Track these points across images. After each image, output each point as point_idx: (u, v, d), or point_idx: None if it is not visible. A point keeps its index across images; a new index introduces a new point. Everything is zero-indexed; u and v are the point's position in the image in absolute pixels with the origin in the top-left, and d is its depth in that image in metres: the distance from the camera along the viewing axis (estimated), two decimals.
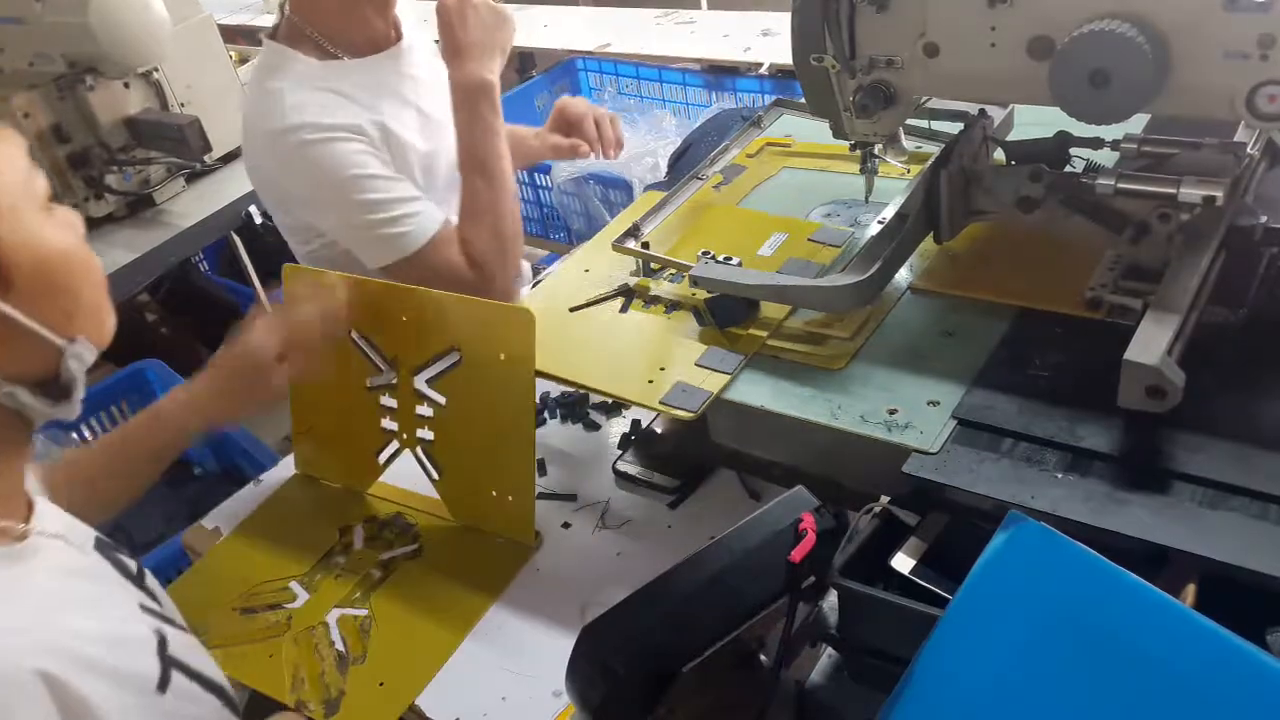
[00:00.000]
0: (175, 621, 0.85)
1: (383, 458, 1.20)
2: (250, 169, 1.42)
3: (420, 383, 1.13)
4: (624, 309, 1.16)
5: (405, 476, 1.20)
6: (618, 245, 1.20)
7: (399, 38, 1.45)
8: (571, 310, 1.17)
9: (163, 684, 0.77)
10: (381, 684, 0.99)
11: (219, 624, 1.08)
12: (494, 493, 1.11)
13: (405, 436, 1.17)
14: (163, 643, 0.79)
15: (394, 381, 1.15)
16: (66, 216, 0.77)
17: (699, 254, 1.18)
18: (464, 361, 1.09)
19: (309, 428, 1.26)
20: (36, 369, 0.75)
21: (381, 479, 1.22)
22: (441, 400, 1.12)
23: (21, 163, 0.75)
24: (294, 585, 1.12)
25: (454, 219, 1.38)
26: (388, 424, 1.18)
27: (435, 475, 1.16)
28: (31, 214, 0.74)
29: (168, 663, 0.78)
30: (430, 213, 1.32)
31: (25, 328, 0.72)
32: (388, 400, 1.17)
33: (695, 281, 1.09)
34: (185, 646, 0.83)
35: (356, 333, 1.15)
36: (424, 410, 1.14)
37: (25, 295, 0.73)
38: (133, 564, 0.81)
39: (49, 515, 0.78)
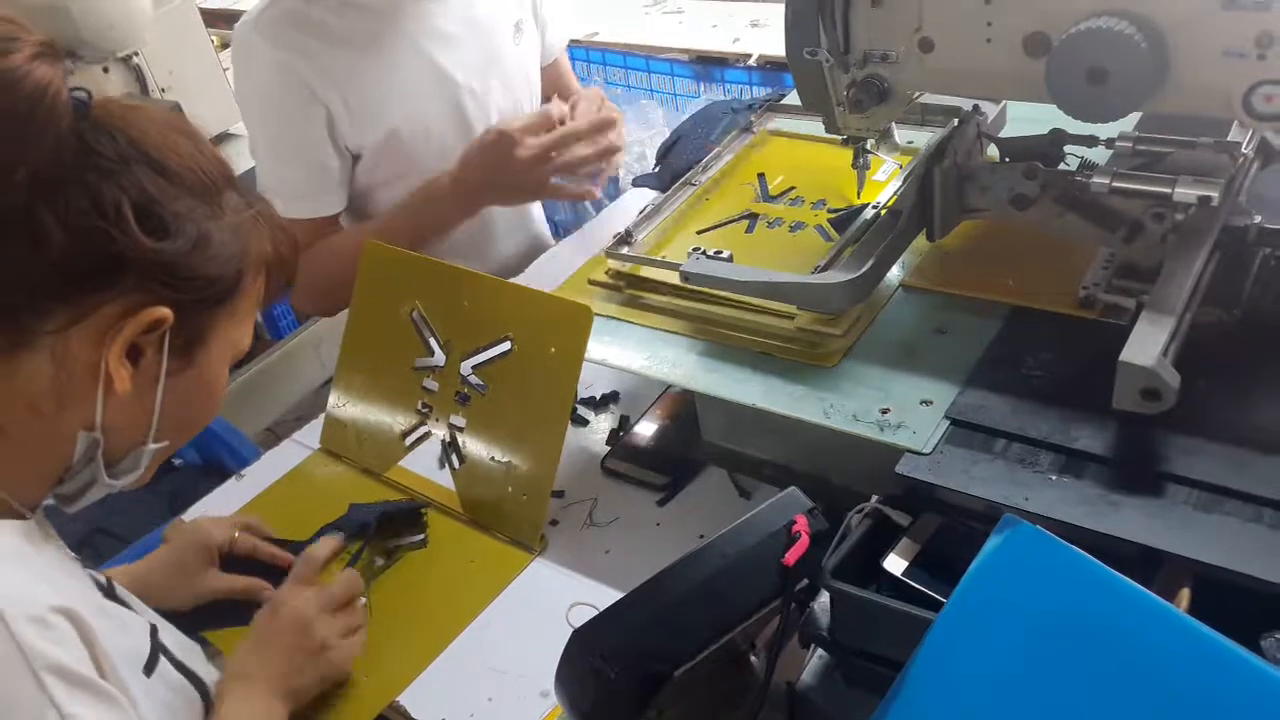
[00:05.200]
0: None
1: (409, 440, 1.20)
2: None
3: (467, 368, 1.13)
4: None
5: (422, 466, 1.20)
6: (611, 253, 1.18)
7: None
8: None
9: (149, 667, 0.75)
10: (389, 662, 0.98)
11: None
12: (510, 489, 1.11)
13: (437, 420, 1.17)
14: (154, 630, 0.79)
15: (441, 364, 1.15)
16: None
17: (689, 251, 1.16)
18: (514, 351, 1.09)
19: (345, 403, 1.27)
20: (114, 442, 0.73)
21: (400, 465, 1.21)
22: (483, 388, 1.12)
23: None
24: None
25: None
26: (423, 407, 1.18)
27: (456, 465, 1.16)
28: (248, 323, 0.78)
29: (157, 647, 0.77)
30: (295, 205, 1.35)
31: (150, 406, 0.72)
32: (430, 383, 1.17)
33: (686, 277, 1.08)
34: (174, 640, 0.82)
35: (418, 311, 1.16)
36: (462, 397, 1.14)
37: (180, 384, 0.74)
38: (102, 578, 0.80)
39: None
